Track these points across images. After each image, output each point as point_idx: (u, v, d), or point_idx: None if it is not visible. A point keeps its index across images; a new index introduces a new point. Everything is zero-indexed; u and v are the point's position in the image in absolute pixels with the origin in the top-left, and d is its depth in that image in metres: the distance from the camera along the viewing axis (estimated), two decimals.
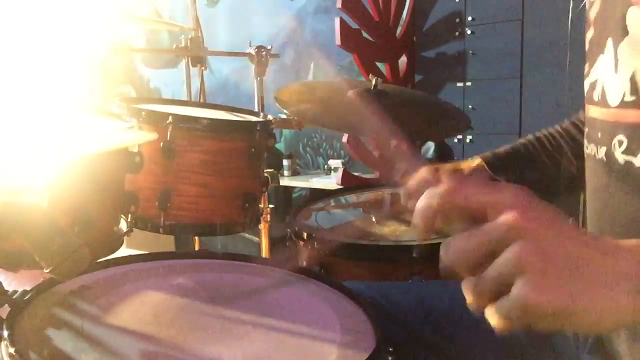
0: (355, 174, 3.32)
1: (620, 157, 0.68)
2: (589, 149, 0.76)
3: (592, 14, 0.74)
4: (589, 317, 0.45)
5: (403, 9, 3.33)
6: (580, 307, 0.44)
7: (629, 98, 0.67)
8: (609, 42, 0.70)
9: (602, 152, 0.72)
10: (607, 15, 0.71)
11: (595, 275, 0.46)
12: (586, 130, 0.78)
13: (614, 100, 0.69)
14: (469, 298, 0.48)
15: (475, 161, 1.14)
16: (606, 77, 0.71)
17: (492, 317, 0.47)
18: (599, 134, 0.72)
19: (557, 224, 0.48)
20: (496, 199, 0.48)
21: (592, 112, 0.74)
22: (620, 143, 0.68)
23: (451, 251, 0.48)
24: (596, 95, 0.73)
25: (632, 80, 0.66)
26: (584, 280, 0.45)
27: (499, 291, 0.46)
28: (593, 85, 0.73)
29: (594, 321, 0.45)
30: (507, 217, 0.46)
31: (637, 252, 0.48)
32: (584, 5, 0.88)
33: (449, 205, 0.50)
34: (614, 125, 0.69)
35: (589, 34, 0.75)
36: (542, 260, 0.45)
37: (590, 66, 0.74)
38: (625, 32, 0.67)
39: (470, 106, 3.10)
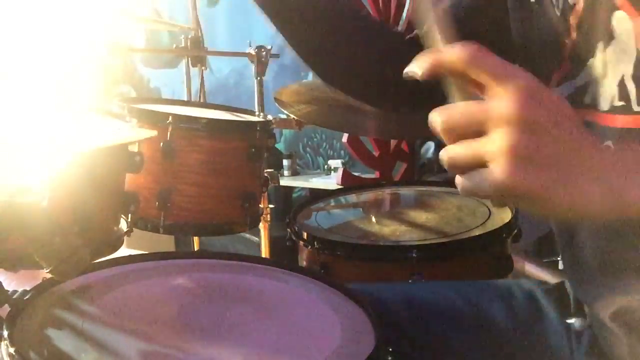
0: (355, 174, 3.31)
1: None
2: None
3: (573, 19, 0.74)
4: (559, 206, 0.47)
5: (403, 9, 3.32)
6: (553, 196, 0.47)
7: (618, 103, 0.67)
8: (599, 46, 0.70)
9: None
10: (593, 19, 0.71)
11: (576, 168, 0.48)
12: None
13: (603, 104, 0.70)
14: (444, 160, 0.50)
15: None
16: (596, 81, 0.71)
17: (461, 183, 0.49)
18: None
19: (556, 113, 0.49)
20: (508, 74, 0.49)
21: (582, 115, 0.74)
22: None
23: (442, 115, 0.49)
24: (588, 99, 0.73)
25: (621, 85, 0.67)
26: (564, 170, 0.47)
27: (476, 163, 0.48)
28: (583, 89, 0.73)
29: (563, 210, 0.48)
30: (509, 99, 0.47)
31: (617, 154, 0.52)
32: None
33: (469, 62, 0.50)
34: (602, 130, 0.70)
35: (570, 38, 0.75)
36: (528, 144, 0.46)
37: (578, 69, 0.74)
38: (611, 36, 0.68)
39: None
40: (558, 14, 0.75)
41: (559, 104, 0.50)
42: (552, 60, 0.77)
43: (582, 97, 0.73)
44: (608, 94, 0.69)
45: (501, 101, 0.48)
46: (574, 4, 0.73)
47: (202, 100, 2.16)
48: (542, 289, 0.90)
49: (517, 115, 0.47)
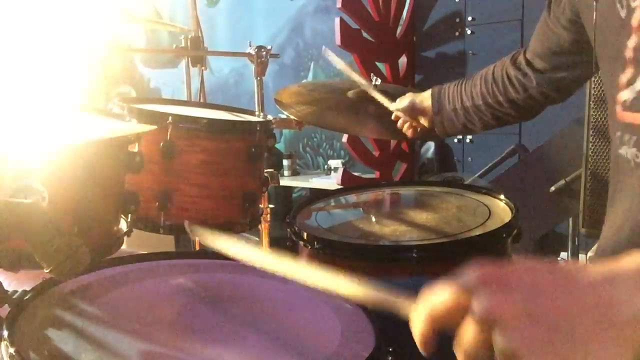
0: (355, 174, 3.32)
1: None
2: (629, 154, 0.76)
3: (635, 20, 0.73)
4: None
5: (403, 9, 3.33)
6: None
7: None
8: None
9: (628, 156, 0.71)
10: None
11: (588, 325, 0.41)
12: (627, 136, 0.77)
13: None
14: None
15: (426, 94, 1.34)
16: None
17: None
18: (619, 136, 0.72)
19: (525, 274, 0.45)
20: (458, 283, 0.46)
21: (637, 119, 0.73)
22: None
23: (423, 312, 0.47)
24: None
25: None
26: (576, 333, 0.41)
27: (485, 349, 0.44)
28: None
29: None
30: (473, 271, 0.45)
31: (634, 273, 0.43)
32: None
33: (436, 323, 0.48)
34: None
35: (631, 41, 0.73)
36: (499, 304, 0.42)
37: (637, 74, 0.73)
38: None
39: None
40: (623, 15, 0.74)
41: (525, 266, 0.46)
42: (617, 63, 0.76)
43: (637, 101, 0.72)
44: None
45: (468, 273, 0.46)
46: (636, 7, 0.72)
47: (202, 100, 2.16)
48: None
49: (484, 276, 0.44)
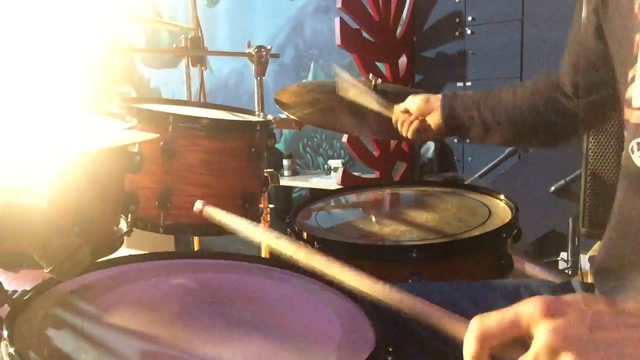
0: (355, 174, 3.32)
1: (638, 160, 0.68)
2: (627, 150, 0.75)
3: None
4: None
5: (403, 9, 3.33)
6: None
7: None
8: None
9: (623, 154, 0.71)
10: None
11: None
12: (626, 133, 0.75)
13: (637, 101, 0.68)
14: None
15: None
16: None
17: None
18: (625, 136, 0.71)
19: (585, 306, 0.47)
20: (517, 311, 0.48)
21: (627, 115, 0.73)
22: None
23: (477, 332, 0.48)
24: (635, 102, 0.70)
25: None
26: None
27: None
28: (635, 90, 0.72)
29: None
30: (533, 302, 0.47)
31: None
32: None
33: (489, 346, 0.49)
34: (636, 127, 0.68)
35: (638, 36, 0.72)
36: (575, 345, 0.44)
37: (635, 70, 0.72)
38: None
39: None
40: (636, 9, 0.72)
41: (581, 300, 0.48)
42: (627, 61, 0.74)
43: (631, 98, 0.71)
44: None
45: (527, 305, 0.47)
46: None
47: (202, 100, 2.16)
48: (548, 288, 0.89)
49: (546, 306, 0.46)
